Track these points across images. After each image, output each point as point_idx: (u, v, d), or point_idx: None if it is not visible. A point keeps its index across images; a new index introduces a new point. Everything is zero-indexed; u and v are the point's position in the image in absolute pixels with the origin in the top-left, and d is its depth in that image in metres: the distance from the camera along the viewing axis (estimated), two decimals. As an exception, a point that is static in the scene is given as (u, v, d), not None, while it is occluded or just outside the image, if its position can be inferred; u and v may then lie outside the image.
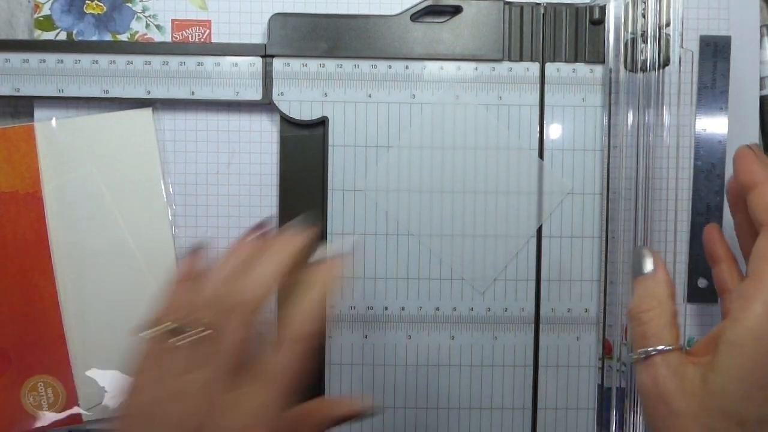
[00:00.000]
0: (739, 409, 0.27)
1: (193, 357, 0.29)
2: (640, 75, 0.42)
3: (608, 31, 0.41)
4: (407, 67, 0.41)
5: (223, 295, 0.30)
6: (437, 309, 0.41)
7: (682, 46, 0.40)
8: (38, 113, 0.42)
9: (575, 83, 0.41)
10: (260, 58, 0.40)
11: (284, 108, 0.41)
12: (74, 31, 0.42)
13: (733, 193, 0.33)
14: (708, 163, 0.42)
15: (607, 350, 0.42)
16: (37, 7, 0.42)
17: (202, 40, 0.42)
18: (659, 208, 0.42)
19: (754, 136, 0.42)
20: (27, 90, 0.40)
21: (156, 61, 0.40)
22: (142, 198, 0.41)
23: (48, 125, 0.41)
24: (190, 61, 0.40)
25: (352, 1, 0.42)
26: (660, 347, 0.29)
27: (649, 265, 0.32)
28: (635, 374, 0.31)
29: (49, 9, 0.42)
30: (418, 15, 0.41)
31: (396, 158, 0.41)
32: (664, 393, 0.29)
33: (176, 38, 0.42)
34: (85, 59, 0.40)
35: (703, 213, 0.42)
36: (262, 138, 0.42)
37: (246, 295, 0.30)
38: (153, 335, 0.30)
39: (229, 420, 0.28)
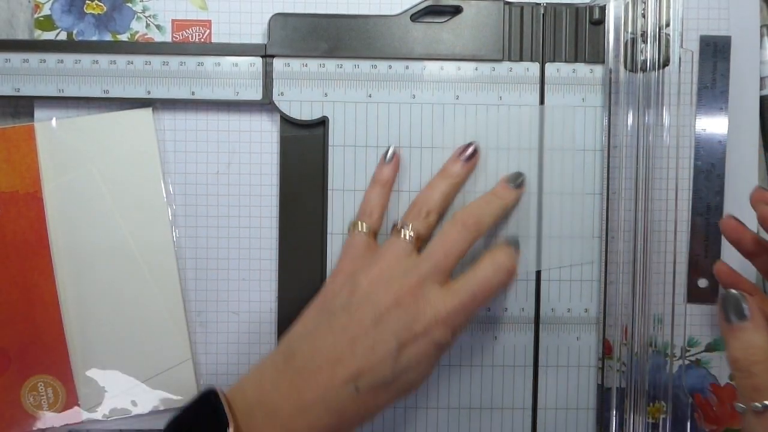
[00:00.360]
0: None
1: (396, 248, 0.36)
2: (640, 75, 0.42)
3: (608, 31, 0.41)
4: (407, 67, 0.41)
5: (434, 210, 0.38)
6: (437, 309, 0.41)
7: (682, 46, 0.40)
8: (38, 113, 0.42)
9: (575, 83, 0.41)
10: (260, 58, 0.40)
11: (284, 108, 0.41)
12: (74, 31, 0.42)
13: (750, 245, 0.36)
14: (708, 163, 0.42)
15: (607, 350, 0.42)
16: (37, 7, 0.42)
17: (202, 40, 0.42)
18: (659, 208, 0.42)
19: (754, 136, 0.42)
20: (27, 90, 0.40)
21: (156, 61, 0.40)
22: (142, 198, 0.41)
23: (48, 125, 0.41)
24: (191, 61, 0.40)
25: (352, 1, 0.42)
26: None
27: (746, 312, 0.32)
28: (745, 423, 0.31)
29: (50, 9, 0.42)
30: (418, 15, 0.41)
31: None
32: None
33: (176, 38, 0.42)
34: (86, 59, 0.40)
35: (703, 213, 0.42)
36: (262, 138, 0.42)
37: (466, 217, 0.36)
38: (354, 232, 0.39)
39: (410, 310, 0.34)
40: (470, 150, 0.39)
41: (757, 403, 0.30)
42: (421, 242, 0.37)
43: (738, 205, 0.42)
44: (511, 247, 0.37)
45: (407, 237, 0.36)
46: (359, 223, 0.39)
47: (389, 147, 0.40)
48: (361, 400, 0.34)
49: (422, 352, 0.34)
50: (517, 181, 0.40)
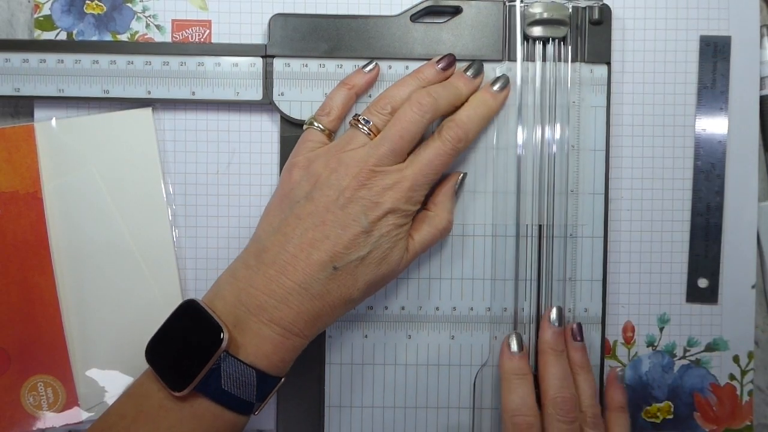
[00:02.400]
0: None
1: (354, 140, 0.36)
2: (640, 75, 0.42)
3: (609, 31, 0.41)
4: (407, 68, 0.41)
5: (402, 102, 0.37)
6: (437, 309, 0.41)
7: (682, 46, 0.40)
8: (38, 113, 0.42)
9: (575, 83, 0.41)
10: (260, 59, 0.40)
11: (284, 108, 0.41)
12: (74, 31, 0.42)
13: None
14: (708, 163, 0.42)
15: (607, 350, 0.42)
16: (37, 7, 0.42)
17: (202, 40, 0.42)
18: (659, 208, 0.42)
19: (754, 136, 0.42)
20: (27, 90, 0.40)
21: (156, 61, 0.40)
22: (142, 198, 0.41)
23: (48, 125, 0.41)
24: (191, 61, 0.40)
25: (352, 1, 0.42)
26: None
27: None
28: None
29: (49, 9, 0.42)
30: (418, 15, 0.41)
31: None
32: None
33: (176, 38, 0.42)
34: (86, 59, 0.40)
35: (703, 213, 0.42)
36: (262, 138, 0.42)
37: (421, 97, 0.37)
38: (310, 128, 0.39)
39: (373, 187, 0.35)
40: (447, 60, 0.39)
41: None
42: (377, 135, 0.37)
43: (738, 205, 0.42)
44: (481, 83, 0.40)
45: (365, 130, 0.37)
46: (317, 119, 0.39)
47: (371, 60, 0.40)
48: (341, 279, 0.35)
49: (392, 223, 0.36)
50: (477, 70, 0.39)
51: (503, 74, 0.40)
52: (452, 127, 0.37)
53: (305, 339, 0.35)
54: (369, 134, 0.37)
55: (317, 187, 0.36)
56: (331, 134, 0.39)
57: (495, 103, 0.40)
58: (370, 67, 0.40)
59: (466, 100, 0.39)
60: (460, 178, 0.40)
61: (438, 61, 0.39)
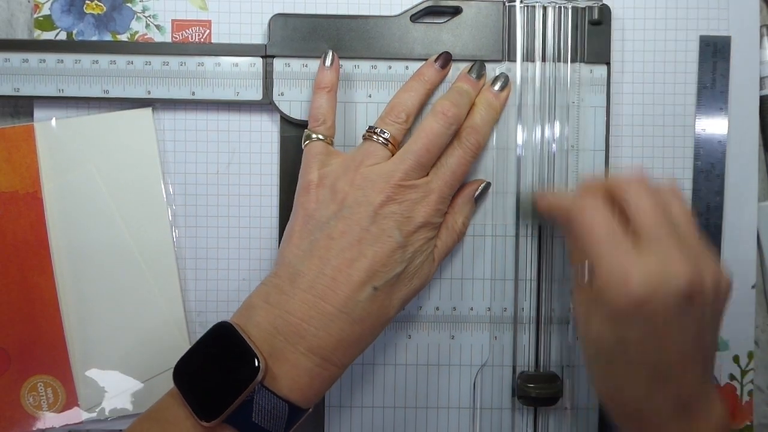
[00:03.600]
0: None
1: (373, 153, 0.36)
2: (639, 75, 0.42)
3: (608, 32, 0.41)
4: (407, 68, 0.41)
5: (413, 108, 0.37)
6: (437, 309, 0.41)
7: (681, 46, 0.40)
8: (38, 113, 0.42)
9: (575, 83, 0.41)
10: (260, 59, 0.40)
11: (284, 108, 0.41)
12: (74, 31, 0.42)
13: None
14: (708, 163, 0.42)
15: (607, 350, 0.42)
16: (37, 7, 0.42)
17: (202, 40, 0.42)
18: (659, 208, 0.42)
19: (754, 136, 0.42)
20: (27, 90, 0.40)
21: (156, 61, 0.40)
22: (142, 198, 0.41)
23: (48, 125, 0.41)
24: (191, 62, 0.40)
25: (352, 1, 0.42)
26: None
27: None
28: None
29: (49, 9, 0.42)
30: (418, 16, 0.41)
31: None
32: None
33: (176, 38, 0.42)
34: (85, 59, 0.40)
35: (703, 213, 0.42)
36: (262, 138, 0.42)
37: (447, 109, 0.36)
38: (309, 142, 0.38)
39: (404, 202, 0.35)
40: (444, 57, 0.39)
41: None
42: (395, 145, 0.37)
43: (738, 205, 0.42)
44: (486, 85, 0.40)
45: (382, 140, 0.36)
46: (314, 131, 0.38)
47: (327, 51, 0.39)
48: (380, 301, 0.34)
49: (424, 237, 0.36)
50: (480, 72, 0.39)
51: (502, 73, 0.40)
52: (471, 132, 0.38)
53: (341, 369, 0.34)
54: (387, 145, 0.36)
55: (346, 206, 0.35)
56: (331, 141, 0.38)
57: (498, 103, 0.40)
58: (329, 59, 0.39)
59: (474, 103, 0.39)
60: (482, 186, 0.40)
61: (435, 60, 0.39)
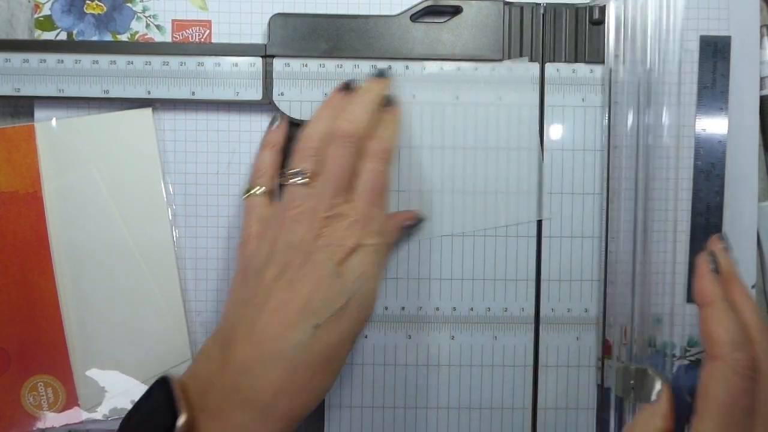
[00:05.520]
0: None
1: (296, 196, 0.35)
2: (640, 75, 0.42)
3: (608, 31, 0.41)
4: (407, 67, 0.41)
5: (324, 136, 0.36)
6: (437, 309, 0.41)
7: (682, 46, 0.40)
8: (38, 113, 0.42)
9: (575, 83, 0.41)
10: (260, 59, 0.40)
11: (284, 108, 0.41)
12: (74, 31, 0.42)
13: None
14: (708, 163, 0.42)
15: (607, 350, 0.42)
16: (37, 7, 0.42)
17: (202, 40, 0.42)
18: (659, 208, 0.42)
19: (754, 136, 0.42)
20: (27, 90, 0.40)
21: (156, 61, 0.40)
22: (142, 198, 0.41)
23: (48, 125, 0.41)
24: (191, 62, 0.40)
25: (352, 1, 0.42)
26: None
27: (654, 396, 0.35)
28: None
29: (49, 9, 0.42)
30: (418, 15, 0.41)
31: (395, 158, 0.41)
32: None
33: (176, 38, 0.42)
34: (86, 59, 0.40)
35: (703, 213, 0.42)
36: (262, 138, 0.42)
37: (343, 128, 0.36)
38: (250, 196, 0.38)
39: (334, 233, 0.34)
40: (345, 84, 0.39)
41: None
42: (317, 176, 0.36)
43: (738, 205, 0.42)
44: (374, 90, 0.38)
45: (300, 181, 0.35)
46: (254, 186, 0.39)
47: (275, 116, 0.40)
48: (324, 340, 0.32)
49: (362, 261, 0.34)
50: (380, 74, 0.39)
51: (381, 69, 0.40)
52: (375, 142, 0.36)
53: (289, 423, 0.32)
54: (307, 181, 0.35)
55: (277, 250, 0.34)
56: (271, 194, 0.39)
57: (380, 88, 0.38)
58: (277, 122, 0.40)
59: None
60: (414, 221, 0.40)
61: (339, 90, 0.39)
